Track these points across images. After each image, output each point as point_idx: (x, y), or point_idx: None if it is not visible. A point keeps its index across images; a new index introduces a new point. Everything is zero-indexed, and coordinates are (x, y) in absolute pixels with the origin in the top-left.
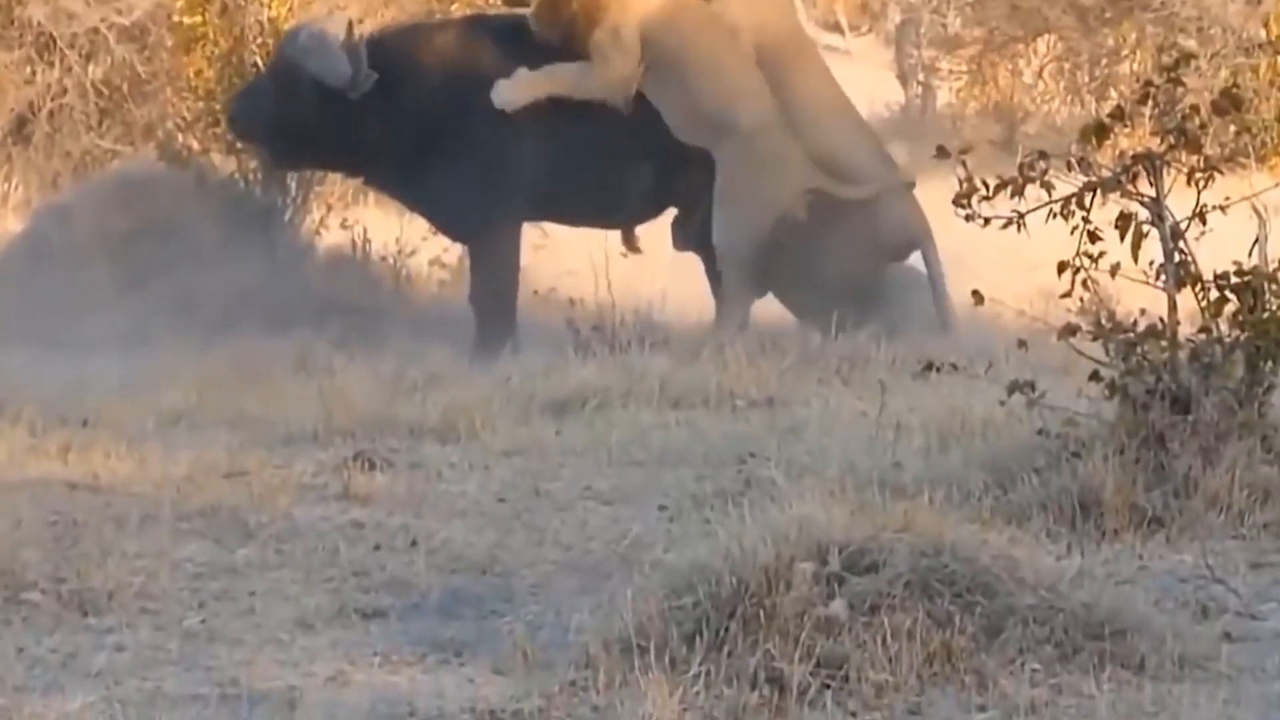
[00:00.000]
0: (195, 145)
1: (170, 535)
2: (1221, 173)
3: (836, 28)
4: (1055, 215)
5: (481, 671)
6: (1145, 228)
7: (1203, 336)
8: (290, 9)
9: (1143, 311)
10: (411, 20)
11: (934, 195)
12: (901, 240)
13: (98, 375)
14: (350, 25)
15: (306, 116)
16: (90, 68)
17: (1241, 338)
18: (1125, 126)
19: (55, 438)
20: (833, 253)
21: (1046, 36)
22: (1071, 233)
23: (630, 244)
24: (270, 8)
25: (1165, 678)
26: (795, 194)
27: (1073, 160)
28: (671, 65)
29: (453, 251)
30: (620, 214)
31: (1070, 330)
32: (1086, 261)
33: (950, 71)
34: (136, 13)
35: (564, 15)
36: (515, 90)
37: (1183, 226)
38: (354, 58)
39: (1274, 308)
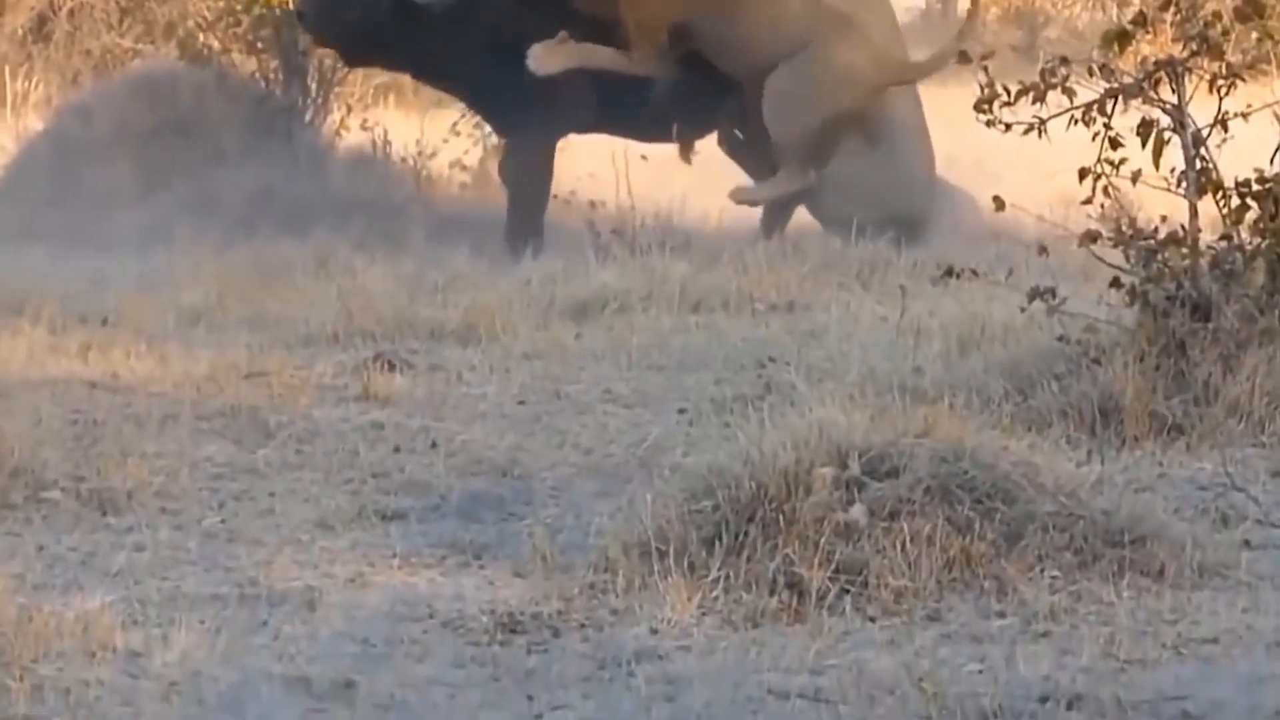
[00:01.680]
0: (216, 44)
1: (190, 435)
2: (1244, 80)
3: None
4: (1076, 122)
5: (501, 574)
6: (1167, 135)
7: (1224, 244)
8: None
9: (1164, 218)
10: None
11: (955, 101)
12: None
13: (118, 274)
14: None
15: (378, 19)
16: None
17: (1263, 245)
18: (1147, 33)
19: (75, 336)
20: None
21: None
22: (1093, 139)
23: (686, 155)
24: None
25: (1184, 585)
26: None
27: (1094, 66)
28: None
29: (474, 154)
30: (674, 129)
31: (1091, 237)
32: (1107, 168)
33: None
34: None
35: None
36: (550, 59)
37: (1204, 134)
38: None
39: None
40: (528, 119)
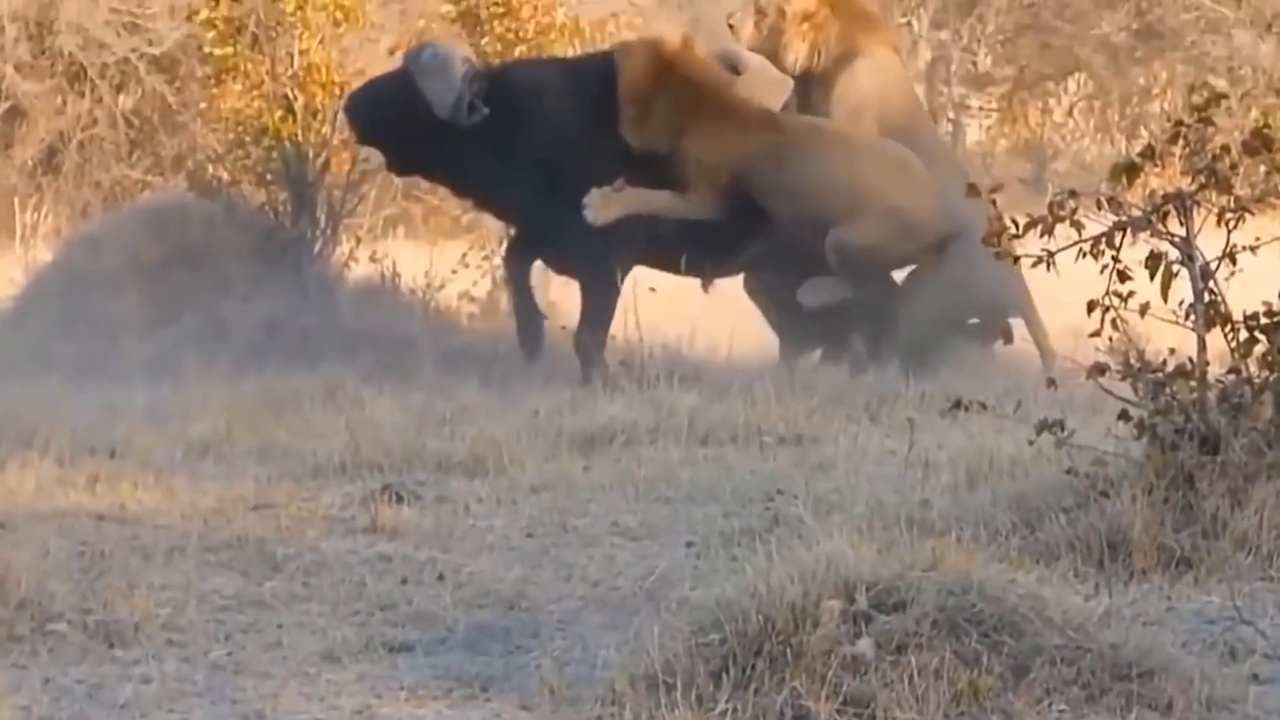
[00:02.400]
0: (225, 176)
1: (197, 567)
2: (1252, 213)
3: None
4: (1085, 254)
5: (508, 707)
6: (1175, 267)
7: (1232, 377)
8: (321, 40)
9: (1172, 351)
10: (540, 56)
11: None
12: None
13: (127, 405)
14: (470, 61)
15: (419, 130)
16: (121, 98)
17: (1271, 378)
18: (1155, 166)
19: (83, 468)
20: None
21: (1077, 75)
22: (1101, 272)
23: (706, 286)
24: (301, 39)
25: (1193, 719)
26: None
27: (1103, 199)
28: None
29: (482, 285)
30: (712, 265)
31: (1099, 369)
32: (1116, 300)
33: (980, 109)
34: (167, 43)
35: (650, 137)
36: (608, 207)
37: (1213, 266)
38: (464, 90)
39: None
40: (585, 250)
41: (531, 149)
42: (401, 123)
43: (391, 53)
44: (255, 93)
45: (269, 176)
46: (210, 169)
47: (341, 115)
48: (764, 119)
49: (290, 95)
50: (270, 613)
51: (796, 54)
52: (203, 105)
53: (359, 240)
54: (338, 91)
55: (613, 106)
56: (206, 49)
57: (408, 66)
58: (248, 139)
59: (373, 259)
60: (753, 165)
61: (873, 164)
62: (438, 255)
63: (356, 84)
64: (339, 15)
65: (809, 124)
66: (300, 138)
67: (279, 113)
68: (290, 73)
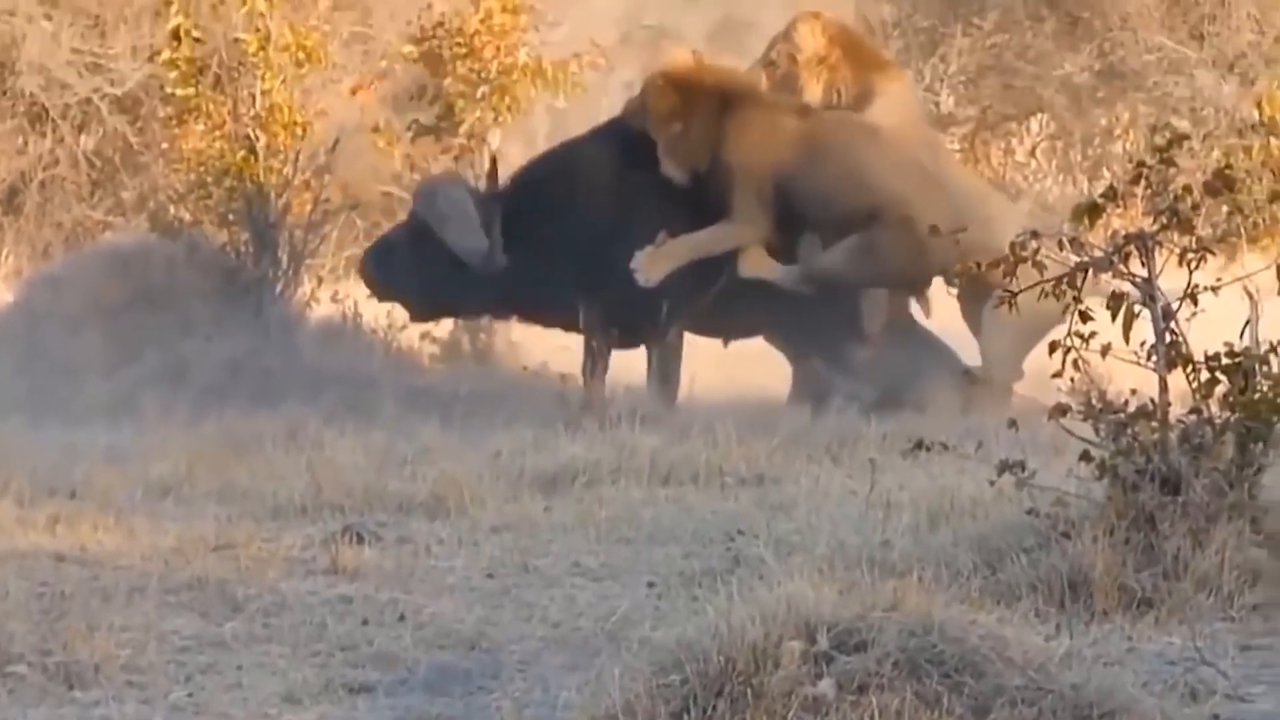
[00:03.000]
0: (187, 216)
1: (157, 608)
2: (1214, 253)
3: None
4: (1047, 295)
5: None
6: (1137, 308)
7: (1193, 418)
8: (284, 81)
9: (1134, 392)
10: (541, 157)
11: None
12: None
13: (87, 445)
14: (485, 195)
15: (443, 275)
16: (82, 138)
17: (1232, 419)
18: (1118, 206)
19: (43, 508)
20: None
21: (1039, 115)
22: (1063, 312)
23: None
24: (264, 80)
25: None
26: None
27: (1065, 239)
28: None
29: (444, 326)
30: (735, 331)
31: (1061, 410)
32: (1078, 341)
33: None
34: (129, 84)
35: (691, 157)
36: (656, 265)
37: (1174, 307)
38: (492, 235)
39: (1265, 389)
40: (644, 320)
41: (567, 243)
42: (422, 272)
43: (353, 92)
44: (217, 133)
45: (231, 217)
46: (172, 209)
47: (359, 277)
48: (798, 109)
49: (252, 136)
50: (230, 654)
51: (814, 97)
52: (165, 145)
53: (321, 280)
54: (300, 132)
55: (636, 167)
56: (169, 89)
57: (424, 218)
58: (209, 179)
59: (334, 299)
60: (792, 158)
61: (909, 162)
62: None
63: (319, 126)
64: (301, 56)
65: (845, 116)
66: (262, 178)
67: (241, 153)
68: (252, 113)
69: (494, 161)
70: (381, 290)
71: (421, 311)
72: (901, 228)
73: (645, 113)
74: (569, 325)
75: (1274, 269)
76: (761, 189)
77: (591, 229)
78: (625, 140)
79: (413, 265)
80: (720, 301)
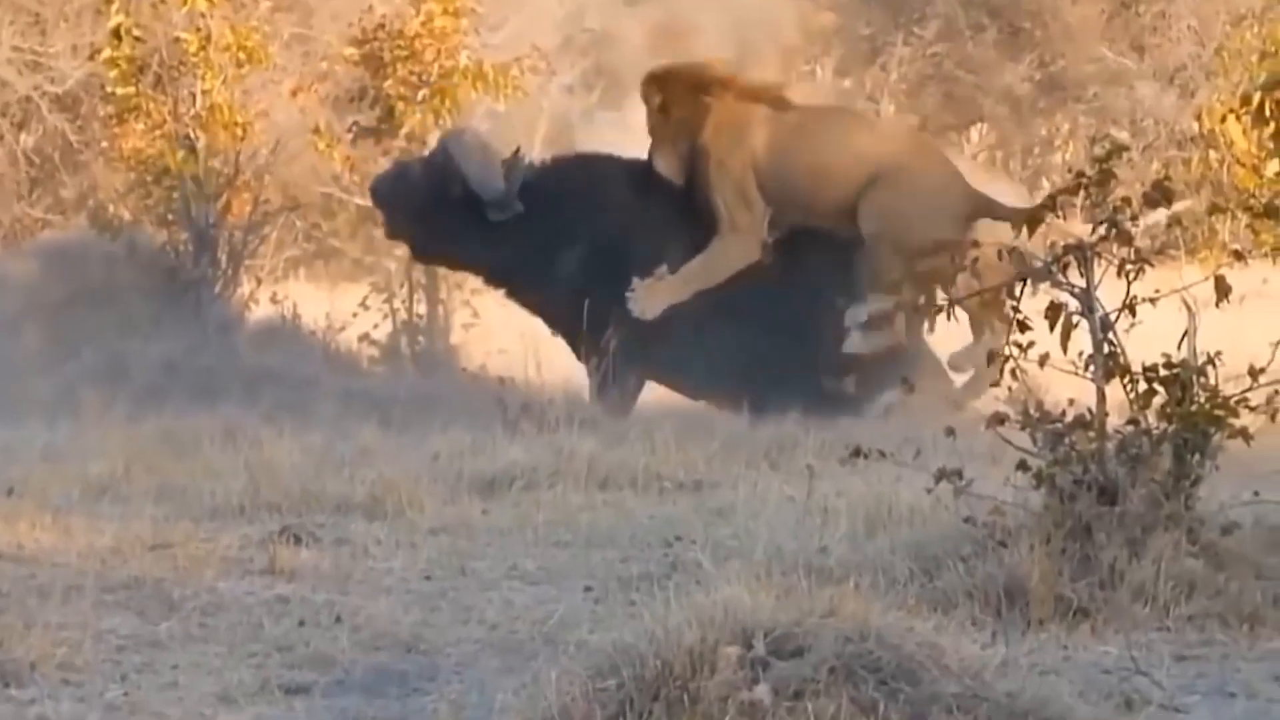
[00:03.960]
0: (126, 216)
1: (94, 607)
2: (1152, 265)
3: None
4: (986, 305)
5: None
6: (1075, 318)
7: (1131, 428)
8: (224, 81)
9: (1071, 402)
10: (572, 153)
11: None
12: None
13: (25, 444)
14: (518, 151)
15: (451, 215)
16: (22, 136)
17: (1169, 430)
18: (1057, 216)
19: None
20: None
21: (980, 125)
22: (999, 322)
23: None
24: (204, 80)
25: None
26: None
27: (1003, 250)
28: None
29: (383, 328)
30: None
31: (998, 419)
32: (1016, 351)
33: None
34: (69, 82)
35: (679, 153)
36: (654, 298)
37: (1112, 318)
38: (511, 180)
39: (1202, 401)
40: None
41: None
42: (432, 205)
43: (294, 94)
44: (157, 132)
45: (170, 216)
46: (111, 208)
47: (370, 198)
48: (776, 97)
49: (192, 135)
50: (166, 653)
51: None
52: (104, 144)
53: (260, 281)
54: (240, 132)
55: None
56: (109, 88)
57: (449, 148)
58: (149, 179)
59: (274, 300)
60: (772, 144)
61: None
62: (338, 297)
63: (259, 127)
64: (242, 56)
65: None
66: (202, 178)
67: (181, 153)
68: (192, 113)
69: (519, 148)
70: (385, 210)
71: (424, 250)
72: (905, 183)
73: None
74: (552, 315)
75: (1211, 281)
76: (748, 195)
77: (601, 231)
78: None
79: (426, 201)
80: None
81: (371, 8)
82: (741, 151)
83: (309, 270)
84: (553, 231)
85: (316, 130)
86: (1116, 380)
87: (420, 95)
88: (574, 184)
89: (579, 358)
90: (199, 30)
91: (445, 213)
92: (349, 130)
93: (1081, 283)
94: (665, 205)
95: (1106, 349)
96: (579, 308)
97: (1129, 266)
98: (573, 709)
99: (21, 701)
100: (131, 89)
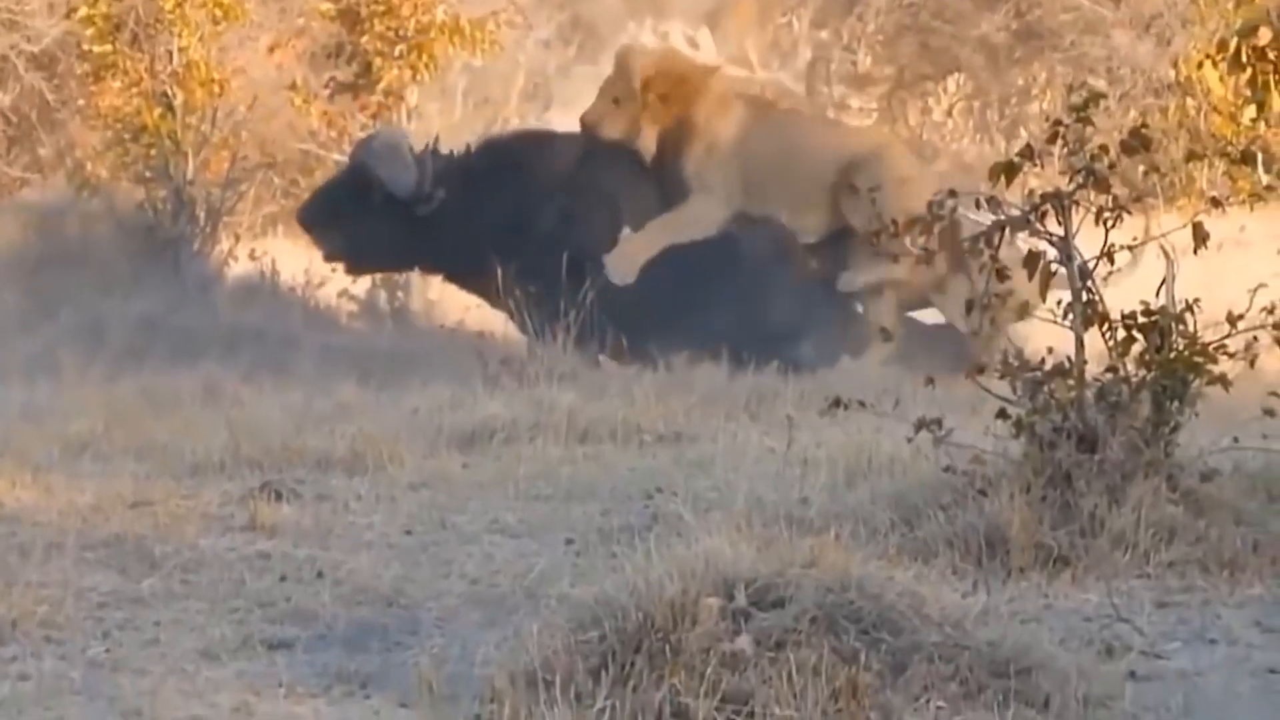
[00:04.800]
0: (104, 174)
1: (75, 564)
2: (1130, 213)
3: (747, 64)
4: (964, 253)
5: (387, 704)
6: (1053, 267)
7: (1109, 376)
8: (201, 38)
9: (1050, 350)
10: (505, 132)
11: None
12: None
13: (4, 403)
14: (436, 141)
15: (379, 222)
16: None
17: (1148, 377)
18: (1034, 165)
19: None
20: None
21: (956, 75)
22: (979, 271)
23: None
24: (181, 37)
25: (1070, 716)
26: None
27: (981, 198)
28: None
29: (361, 284)
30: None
31: (978, 369)
32: (994, 300)
33: (861, 109)
34: (46, 40)
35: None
36: (627, 263)
37: (1091, 266)
38: (423, 172)
39: (1180, 348)
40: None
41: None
42: (359, 219)
43: (271, 50)
44: (134, 90)
45: (148, 174)
46: (89, 167)
47: (300, 226)
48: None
49: (169, 93)
50: (148, 610)
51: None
52: (81, 103)
53: (238, 238)
54: (217, 89)
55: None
56: (85, 46)
57: (359, 158)
58: (127, 137)
59: (252, 257)
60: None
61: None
62: (317, 253)
63: (236, 84)
64: (218, 13)
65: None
66: (179, 136)
67: (158, 110)
68: (169, 70)
69: (437, 136)
70: (316, 237)
71: (358, 261)
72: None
73: (623, 87)
74: (490, 293)
75: (1190, 228)
76: (726, 168)
77: (529, 207)
78: (582, 141)
79: (352, 215)
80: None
81: None
82: (727, 140)
83: (287, 227)
84: (481, 211)
85: (294, 86)
86: (1095, 329)
87: (397, 51)
88: (504, 162)
89: (524, 331)
90: None
91: (372, 221)
92: (326, 86)
93: (1060, 231)
94: (601, 175)
95: (1085, 297)
96: (523, 282)
97: (1107, 214)
98: (554, 661)
99: (3, 659)
100: (108, 47)
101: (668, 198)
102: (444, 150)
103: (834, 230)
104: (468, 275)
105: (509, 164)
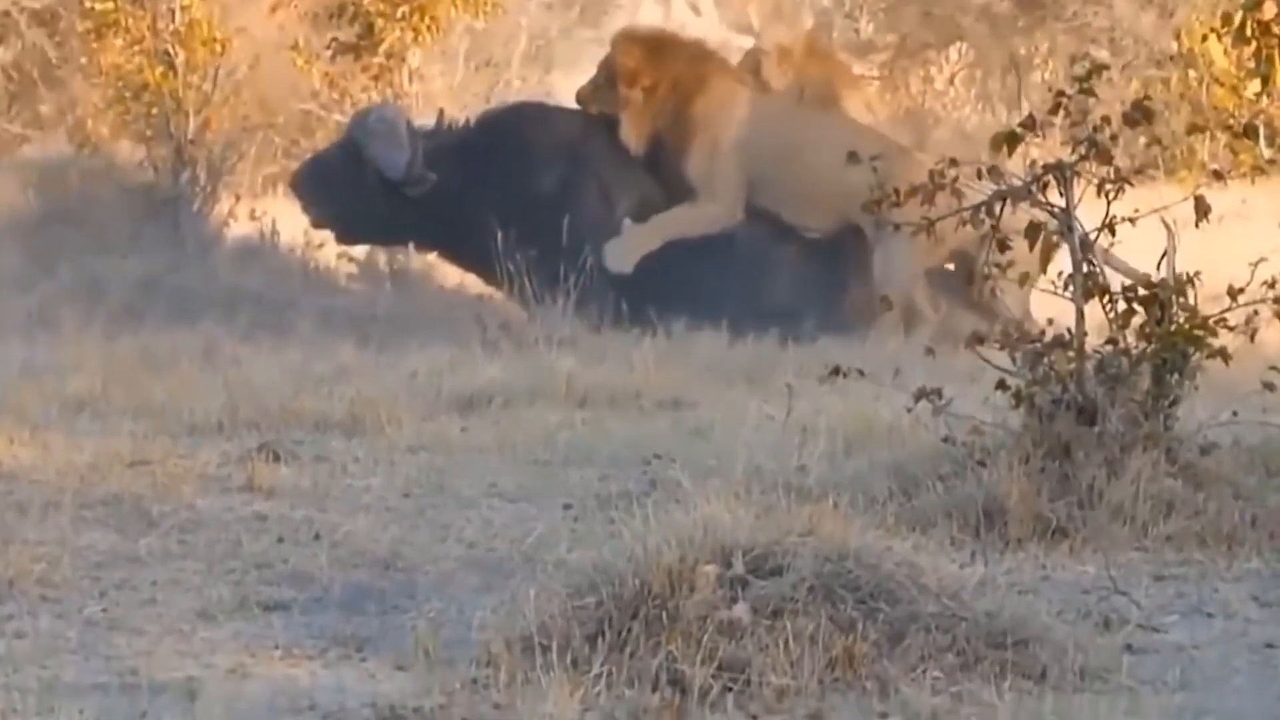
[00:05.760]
0: (105, 132)
1: (72, 523)
2: (1131, 184)
3: (749, 30)
4: (965, 223)
5: (383, 667)
6: (1055, 238)
7: (1109, 348)
8: None
9: (1050, 322)
10: (498, 107)
11: None
12: None
13: (2, 360)
14: (441, 117)
15: (370, 197)
16: (0, 51)
17: (1148, 350)
18: (1036, 136)
19: None
20: None
21: (959, 44)
22: (981, 241)
23: None
24: None
25: (1066, 688)
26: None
27: (983, 168)
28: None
29: (361, 247)
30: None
31: (978, 338)
32: (995, 270)
33: (862, 76)
34: None
35: (656, 121)
36: (627, 252)
37: (1092, 237)
38: (413, 156)
39: (1181, 321)
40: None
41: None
42: (350, 192)
43: (273, 10)
44: (136, 48)
45: (149, 133)
46: (90, 124)
47: (290, 192)
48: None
49: (171, 51)
50: (145, 569)
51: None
52: (83, 60)
53: (239, 198)
54: (219, 48)
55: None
56: (87, 3)
57: (353, 134)
58: (128, 95)
59: (252, 217)
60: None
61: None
62: None
63: (238, 43)
64: None
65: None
66: (181, 94)
67: (160, 69)
68: (171, 29)
69: (441, 111)
70: (306, 203)
71: (347, 233)
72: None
73: (610, 72)
74: (484, 267)
75: (1191, 201)
76: (727, 168)
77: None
78: (577, 117)
79: (342, 185)
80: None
81: None
82: (730, 133)
83: (288, 187)
84: (474, 191)
85: (295, 47)
86: (1095, 300)
87: (400, 12)
88: (497, 139)
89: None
90: None
91: (364, 195)
92: (328, 47)
93: (1061, 202)
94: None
95: (1086, 269)
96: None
97: (1108, 186)
98: (551, 627)
99: (0, 617)
100: (110, 4)
101: (668, 187)
102: (437, 126)
103: (841, 228)
104: (461, 253)
105: (502, 140)
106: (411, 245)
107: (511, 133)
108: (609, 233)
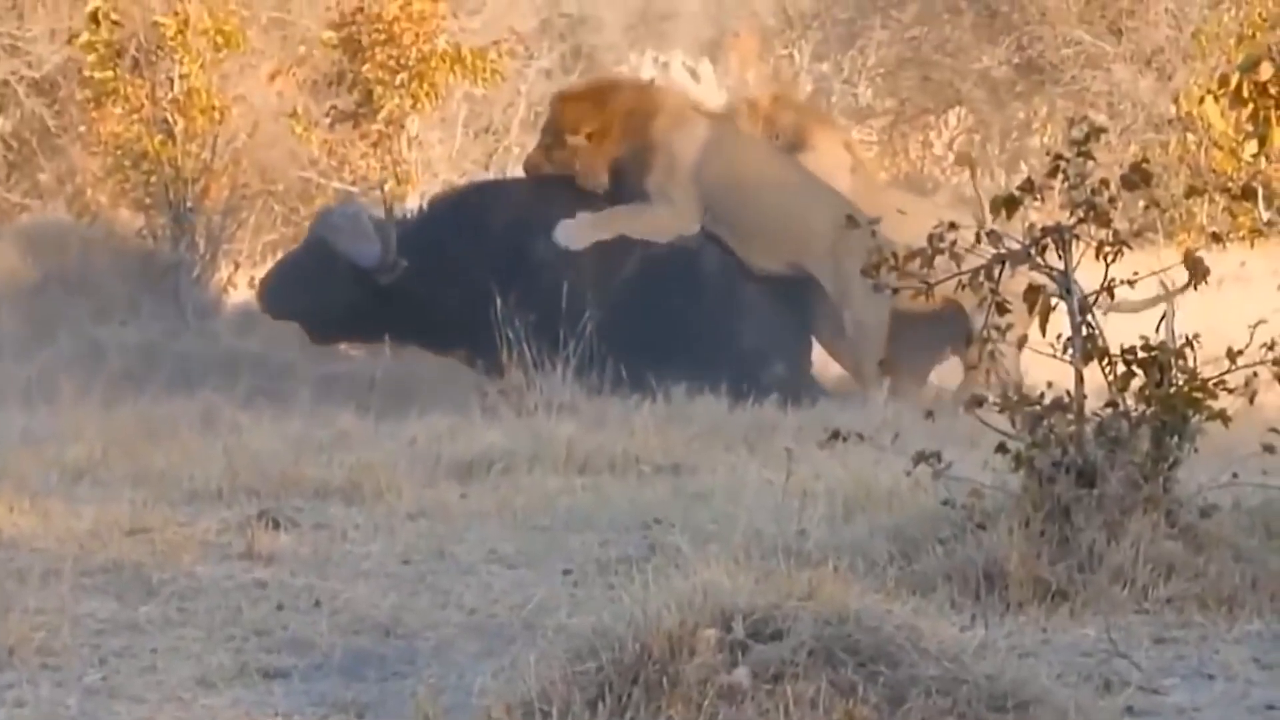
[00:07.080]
0: (104, 200)
1: (72, 591)
2: (1130, 247)
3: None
4: (964, 286)
5: None
6: (1053, 301)
7: (1109, 410)
8: (202, 65)
9: (1049, 384)
10: (459, 187)
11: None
12: None
13: (2, 428)
14: (389, 206)
15: (343, 296)
16: (0, 120)
17: (1147, 412)
18: (1035, 199)
19: None
20: None
21: (957, 109)
22: (979, 304)
23: None
24: (182, 64)
25: None
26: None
27: (982, 232)
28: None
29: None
30: None
31: (977, 401)
32: (994, 333)
33: (861, 141)
34: (47, 66)
35: (608, 158)
36: (579, 233)
37: (1091, 300)
38: (385, 240)
39: (1180, 383)
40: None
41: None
42: (322, 293)
43: (272, 78)
44: (135, 117)
45: (148, 201)
46: (89, 193)
47: (258, 304)
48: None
49: (170, 120)
50: (145, 637)
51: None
52: (82, 129)
53: (238, 265)
54: (218, 116)
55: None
56: (87, 72)
57: (319, 232)
58: (127, 163)
59: (251, 284)
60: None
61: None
62: None
63: (237, 111)
64: (220, 40)
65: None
66: (180, 162)
67: (159, 137)
68: (170, 97)
69: (389, 195)
70: (278, 314)
71: (318, 335)
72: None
73: (554, 130)
74: (463, 355)
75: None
76: (682, 176)
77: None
78: (533, 186)
79: (313, 284)
80: None
81: None
82: (688, 150)
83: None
84: (443, 267)
85: (294, 114)
86: (1095, 363)
87: (399, 79)
88: (452, 222)
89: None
90: (177, 14)
91: (337, 293)
92: (327, 114)
93: (1060, 265)
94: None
95: (1085, 331)
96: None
97: (1107, 249)
98: (551, 692)
99: (0, 686)
100: (109, 73)
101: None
102: (396, 214)
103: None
104: (436, 341)
105: (461, 220)
106: (387, 340)
107: (469, 212)
108: (605, 298)
